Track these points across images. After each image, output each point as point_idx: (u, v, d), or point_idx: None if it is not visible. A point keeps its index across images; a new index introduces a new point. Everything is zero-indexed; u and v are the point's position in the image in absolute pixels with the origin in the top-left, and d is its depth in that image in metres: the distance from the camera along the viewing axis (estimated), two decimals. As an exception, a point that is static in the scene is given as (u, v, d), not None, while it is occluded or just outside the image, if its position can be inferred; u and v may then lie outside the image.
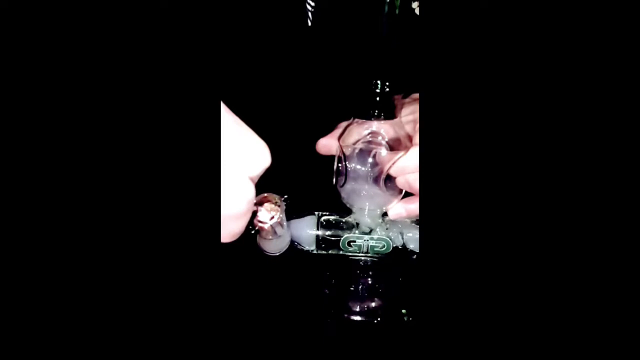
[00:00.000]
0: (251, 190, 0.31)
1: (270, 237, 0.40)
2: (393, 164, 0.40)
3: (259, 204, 0.37)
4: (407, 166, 0.39)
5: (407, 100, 0.45)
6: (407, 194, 0.42)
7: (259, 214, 0.37)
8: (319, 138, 0.43)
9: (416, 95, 0.46)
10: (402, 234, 0.44)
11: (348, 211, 0.44)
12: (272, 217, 0.37)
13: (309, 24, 0.49)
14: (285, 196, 0.39)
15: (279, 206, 0.38)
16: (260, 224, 0.38)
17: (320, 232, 0.44)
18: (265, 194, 0.37)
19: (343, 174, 0.42)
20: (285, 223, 0.40)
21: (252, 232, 0.39)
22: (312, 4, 0.48)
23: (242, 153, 0.30)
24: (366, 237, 0.44)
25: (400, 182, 0.40)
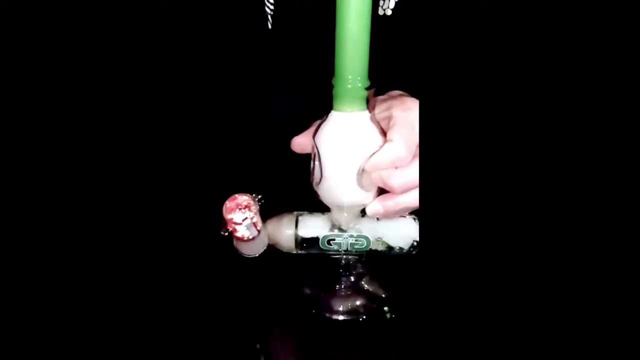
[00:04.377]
0: None
1: (245, 238, 0.39)
2: (367, 160, 0.39)
3: (230, 205, 0.37)
4: (380, 162, 0.39)
5: (382, 97, 0.45)
6: (384, 191, 0.42)
7: (231, 215, 0.37)
8: (293, 136, 0.43)
9: (393, 92, 0.46)
10: (381, 229, 0.44)
11: (326, 209, 0.44)
12: (245, 219, 0.37)
13: (269, 27, 0.49)
14: (260, 196, 0.39)
15: (250, 206, 0.37)
16: (233, 226, 0.37)
17: (299, 232, 0.44)
18: (236, 195, 0.37)
19: (319, 171, 0.41)
20: (260, 223, 0.40)
21: (225, 234, 0.38)
22: (272, 7, 0.48)
23: None
24: (346, 235, 0.44)
25: (374, 178, 0.40)
